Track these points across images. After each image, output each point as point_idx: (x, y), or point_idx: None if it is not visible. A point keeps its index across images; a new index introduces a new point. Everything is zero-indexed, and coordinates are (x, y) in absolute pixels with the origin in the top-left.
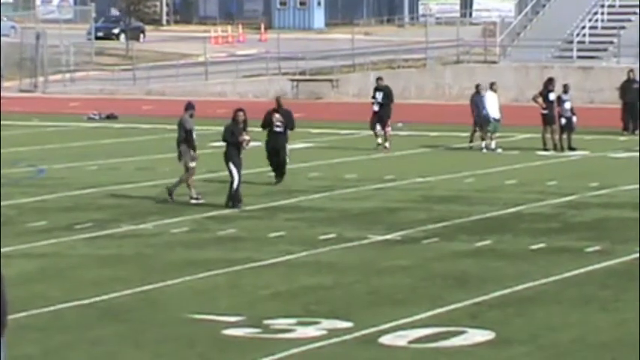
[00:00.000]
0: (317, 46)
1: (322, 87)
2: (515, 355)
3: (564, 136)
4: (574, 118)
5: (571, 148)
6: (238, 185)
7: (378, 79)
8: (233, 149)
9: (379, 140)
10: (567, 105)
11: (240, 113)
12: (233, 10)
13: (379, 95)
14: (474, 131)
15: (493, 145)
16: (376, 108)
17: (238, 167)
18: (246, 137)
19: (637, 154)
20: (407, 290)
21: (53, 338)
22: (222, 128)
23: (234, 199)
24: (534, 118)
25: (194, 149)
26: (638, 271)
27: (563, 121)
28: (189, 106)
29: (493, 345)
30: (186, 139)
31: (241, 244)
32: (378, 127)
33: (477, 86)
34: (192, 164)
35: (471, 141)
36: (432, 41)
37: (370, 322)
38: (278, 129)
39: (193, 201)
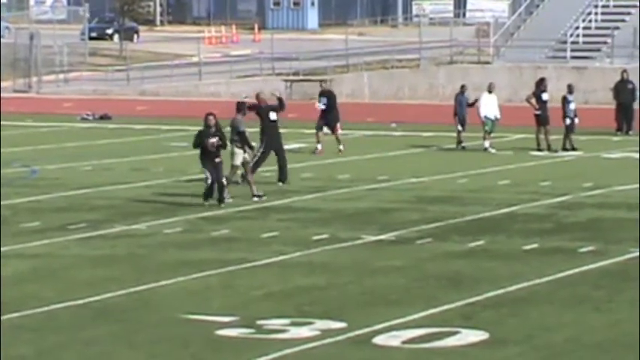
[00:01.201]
0: (310, 46)
1: (316, 87)
2: (509, 356)
3: (569, 136)
4: (576, 120)
5: (565, 149)
6: (213, 182)
7: (322, 82)
8: (206, 154)
9: (319, 147)
10: (572, 106)
11: (211, 117)
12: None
13: (323, 100)
14: (459, 131)
15: (487, 144)
16: (322, 107)
17: (211, 170)
18: (212, 140)
19: (631, 154)
20: (400, 291)
21: (47, 339)
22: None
23: (207, 194)
24: (528, 119)
25: (251, 147)
26: (632, 272)
27: (568, 121)
28: (242, 106)
29: (487, 345)
30: (239, 139)
31: (235, 245)
32: (325, 130)
33: (462, 87)
34: (237, 162)
35: (460, 142)
36: (426, 41)
37: (364, 323)
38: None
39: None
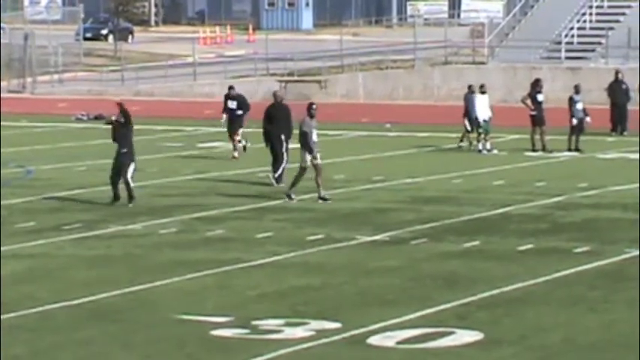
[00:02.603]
0: (305, 46)
1: (310, 88)
2: (504, 356)
3: (573, 136)
4: (587, 119)
5: (577, 150)
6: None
7: (230, 87)
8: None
9: (235, 154)
10: (579, 105)
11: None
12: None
13: (232, 104)
14: (466, 131)
15: (489, 146)
16: (233, 107)
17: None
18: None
19: (625, 154)
20: (395, 291)
21: (43, 339)
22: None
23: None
24: (523, 119)
25: (308, 151)
26: (627, 272)
27: (575, 121)
28: (310, 107)
29: (482, 346)
30: (302, 140)
31: (230, 245)
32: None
33: (470, 87)
34: (307, 164)
35: (461, 141)
36: (421, 42)
37: (359, 323)
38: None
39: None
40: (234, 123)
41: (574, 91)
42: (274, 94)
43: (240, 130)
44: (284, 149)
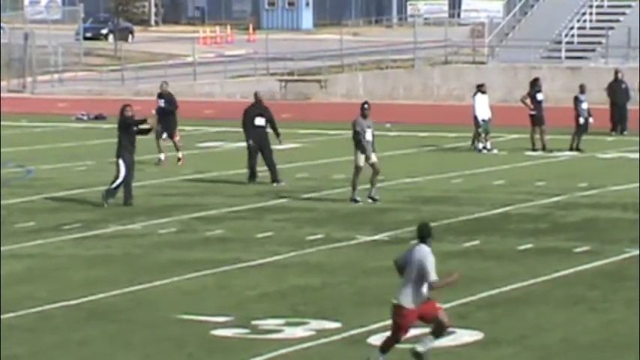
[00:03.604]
0: (305, 46)
1: (310, 87)
2: (503, 356)
3: (576, 136)
4: (590, 120)
5: (578, 149)
6: (120, 184)
7: (163, 83)
8: (126, 145)
9: (162, 156)
10: (584, 105)
11: (128, 108)
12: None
13: (161, 102)
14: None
15: (489, 145)
16: (160, 107)
17: (128, 164)
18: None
19: (625, 154)
20: (395, 290)
21: (41, 339)
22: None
23: (108, 194)
24: (522, 119)
25: (361, 151)
26: (627, 272)
27: (582, 120)
28: (363, 106)
29: (481, 345)
30: (355, 138)
31: (229, 245)
32: (164, 136)
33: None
34: (360, 164)
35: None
36: (420, 42)
37: (358, 323)
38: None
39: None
40: (166, 122)
41: (579, 90)
42: (255, 95)
43: (177, 130)
44: (250, 149)
